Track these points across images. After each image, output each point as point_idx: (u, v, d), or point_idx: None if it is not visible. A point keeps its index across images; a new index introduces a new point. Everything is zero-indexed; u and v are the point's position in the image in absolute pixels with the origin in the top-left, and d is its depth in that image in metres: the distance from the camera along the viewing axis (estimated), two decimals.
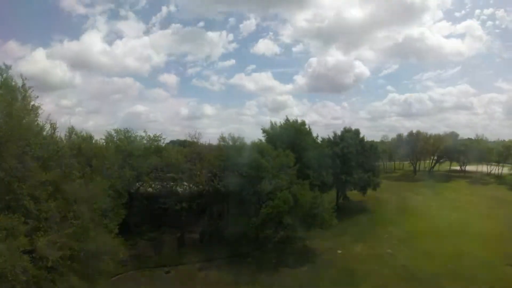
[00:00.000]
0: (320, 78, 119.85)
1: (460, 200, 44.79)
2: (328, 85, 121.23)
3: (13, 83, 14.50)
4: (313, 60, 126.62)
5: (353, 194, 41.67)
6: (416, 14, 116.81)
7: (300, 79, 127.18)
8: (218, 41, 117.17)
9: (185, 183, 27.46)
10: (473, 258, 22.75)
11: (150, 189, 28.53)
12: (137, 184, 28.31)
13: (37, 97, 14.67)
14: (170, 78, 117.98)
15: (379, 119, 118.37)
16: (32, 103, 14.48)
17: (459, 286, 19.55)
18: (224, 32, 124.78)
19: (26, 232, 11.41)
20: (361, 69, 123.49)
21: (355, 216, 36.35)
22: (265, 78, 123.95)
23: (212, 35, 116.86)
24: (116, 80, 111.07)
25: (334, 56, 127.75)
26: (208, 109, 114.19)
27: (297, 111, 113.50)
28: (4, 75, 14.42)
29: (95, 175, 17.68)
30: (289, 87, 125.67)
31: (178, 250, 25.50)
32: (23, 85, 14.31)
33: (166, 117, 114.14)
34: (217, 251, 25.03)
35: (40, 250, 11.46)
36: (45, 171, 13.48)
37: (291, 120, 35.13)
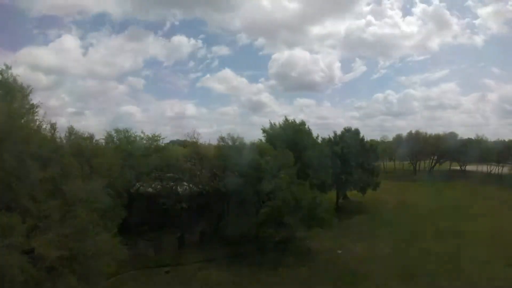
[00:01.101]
0: (286, 77, 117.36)
1: (460, 200, 44.79)
2: (298, 83, 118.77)
3: (13, 83, 14.53)
4: (276, 59, 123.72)
5: (353, 194, 41.65)
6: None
7: (270, 80, 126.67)
8: (187, 45, 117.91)
9: (185, 183, 27.42)
10: (473, 258, 22.71)
11: (150, 189, 28.52)
12: (137, 184, 28.32)
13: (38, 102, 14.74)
14: (146, 81, 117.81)
15: (367, 118, 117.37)
16: (31, 102, 14.51)
17: (459, 286, 19.50)
18: (192, 39, 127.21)
19: (24, 231, 11.36)
20: (331, 66, 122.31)
21: (355, 216, 36.35)
22: (237, 78, 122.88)
23: (178, 39, 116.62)
24: (98, 83, 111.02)
25: (285, 53, 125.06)
26: (193, 110, 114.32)
27: (280, 110, 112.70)
28: (4, 75, 14.47)
29: (95, 174, 17.67)
30: (262, 87, 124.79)
31: (178, 250, 25.45)
32: (22, 84, 14.35)
33: (154, 118, 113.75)
34: (217, 251, 24.98)
35: (39, 249, 11.41)
36: (44, 170, 13.45)
37: (290, 120, 35.17)
